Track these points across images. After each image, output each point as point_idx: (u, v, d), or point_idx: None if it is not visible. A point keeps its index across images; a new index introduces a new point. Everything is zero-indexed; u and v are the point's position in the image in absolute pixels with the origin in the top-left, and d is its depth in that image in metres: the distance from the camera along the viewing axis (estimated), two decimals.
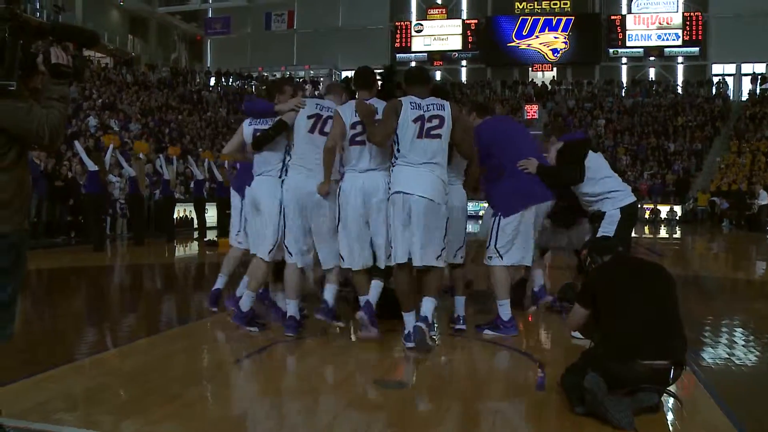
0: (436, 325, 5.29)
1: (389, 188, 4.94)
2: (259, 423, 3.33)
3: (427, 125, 4.87)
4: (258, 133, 5.44)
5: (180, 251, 13.57)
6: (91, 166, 12.44)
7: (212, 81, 38.29)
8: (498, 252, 5.40)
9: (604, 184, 5.47)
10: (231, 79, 38.65)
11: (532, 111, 35.68)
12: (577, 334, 5.51)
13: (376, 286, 5.17)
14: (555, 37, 40.74)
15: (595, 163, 5.52)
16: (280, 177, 5.40)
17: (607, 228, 5.33)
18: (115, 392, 3.85)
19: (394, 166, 4.93)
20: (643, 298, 3.62)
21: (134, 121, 24.20)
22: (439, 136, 4.89)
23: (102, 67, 29.93)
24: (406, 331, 4.95)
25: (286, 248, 5.30)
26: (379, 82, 5.38)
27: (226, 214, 16.47)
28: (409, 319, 4.95)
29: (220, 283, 6.26)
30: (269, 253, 5.39)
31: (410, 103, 4.93)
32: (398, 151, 4.90)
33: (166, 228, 15.13)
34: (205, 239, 14.97)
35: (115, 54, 35.54)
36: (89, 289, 8.76)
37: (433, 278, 4.97)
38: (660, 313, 3.59)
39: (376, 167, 5.05)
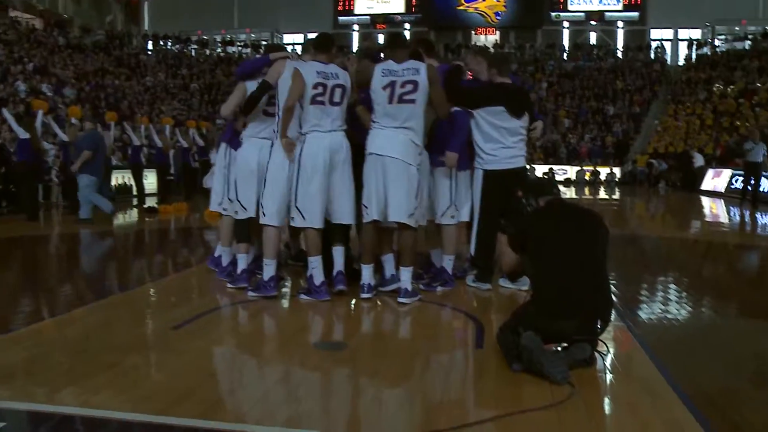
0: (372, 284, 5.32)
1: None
2: (198, 389, 3.30)
3: (400, 91, 5.04)
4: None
5: (118, 219, 13.26)
6: (22, 134, 12.00)
7: (150, 45, 37.18)
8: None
9: (481, 140, 5.54)
10: (169, 43, 37.61)
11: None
12: (506, 282, 5.75)
13: (340, 252, 5.33)
14: (497, 1, 40.74)
15: (493, 117, 5.52)
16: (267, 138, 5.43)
17: (475, 187, 5.62)
18: (51, 363, 3.76)
19: (371, 130, 5.16)
20: (574, 251, 3.67)
21: (69, 86, 23.36)
22: (412, 101, 5.05)
23: (30, 28, 28.63)
24: (361, 283, 5.23)
25: (263, 208, 5.28)
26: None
27: (166, 180, 16.36)
28: (367, 272, 5.23)
29: (226, 257, 6.10)
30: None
31: (382, 70, 5.12)
32: (374, 115, 5.14)
33: (103, 195, 14.74)
34: (145, 206, 14.68)
35: (45, 15, 34.01)
36: (24, 259, 8.49)
37: (407, 244, 5.18)
38: (589, 270, 3.65)
39: (338, 128, 5.19)
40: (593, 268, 3.68)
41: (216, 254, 6.36)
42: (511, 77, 5.84)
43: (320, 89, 5.11)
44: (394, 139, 5.04)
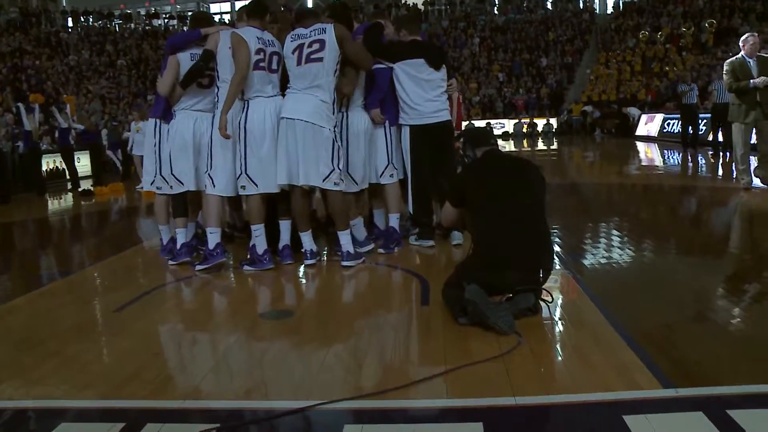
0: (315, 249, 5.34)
1: None
2: (144, 369, 3.24)
3: (307, 51, 5.03)
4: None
5: (53, 205, 12.90)
6: None
7: (70, 22, 35.83)
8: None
9: (404, 95, 5.62)
10: (91, 19, 36.31)
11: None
12: (412, 240, 5.85)
13: (287, 225, 5.36)
14: None
15: (413, 70, 5.60)
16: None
17: (404, 144, 5.68)
18: None
19: (285, 95, 5.17)
20: (511, 202, 3.70)
21: None
22: (320, 59, 5.02)
23: None
24: (303, 250, 5.27)
25: (212, 180, 5.26)
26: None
27: (100, 161, 15.93)
28: (306, 238, 5.26)
29: (166, 235, 6.02)
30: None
31: (290, 35, 5.16)
32: (289, 81, 5.14)
33: (35, 182, 14.34)
34: (79, 189, 14.30)
35: None
36: None
37: (335, 208, 5.16)
38: (527, 219, 3.69)
39: (278, 94, 5.23)
40: (532, 217, 3.72)
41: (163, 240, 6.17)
42: (422, 35, 5.98)
43: (261, 55, 5.12)
44: (305, 101, 5.03)
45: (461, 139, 4.27)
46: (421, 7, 39.61)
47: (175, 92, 5.44)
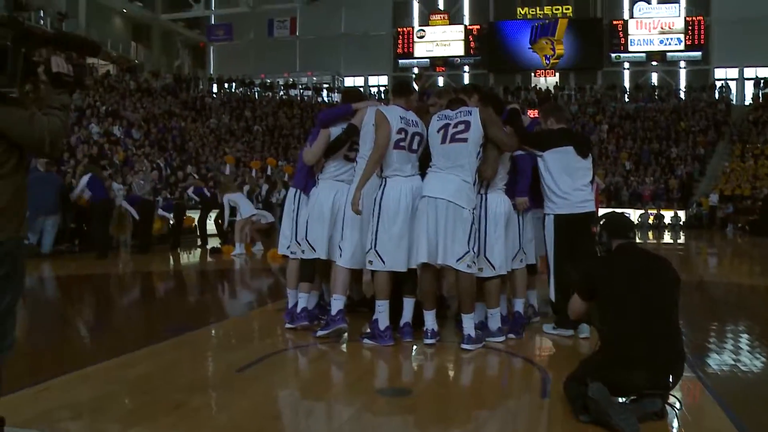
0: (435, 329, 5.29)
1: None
2: (263, 431, 3.31)
3: (452, 131, 5.14)
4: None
5: (185, 259, 13.57)
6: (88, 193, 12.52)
7: (215, 88, 38.28)
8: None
9: (552, 183, 5.56)
10: (234, 86, 38.65)
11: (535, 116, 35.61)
12: (548, 328, 5.75)
13: (411, 303, 5.35)
14: (557, 43, 40.66)
15: (563, 158, 5.56)
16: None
17: (548, 234, 5.61)
18: (120, 401, 3.84)
19: (427, 173, 5.24)
20: (645, 301, 3.57)
21: (136, 128, 24.19)
22: (464, 140, 5.11)
23: (105, 74, 29.90)
24: (424, 329, 5.21)
25: (340, 250, 5.36)
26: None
27: (222, 221, 16.55)
28: (429, 317, 5.21)
29: (293, 299, 6.03)
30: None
31: (437, 116, 5.30)
32: (431, 160, 5.23)
33: (172, 235, 15.10)
34: (207, 246, 14.99)
35: (118, 61, 35.54)
36: (92, 298, 8.73)
37: (463, 289, 5.13)
38: (660, 320, 3.56)
39: (416, 174, 5.31)
40: (665, 318, 3.58)
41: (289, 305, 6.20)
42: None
43: (402, 134, 5.22)
44: (448, 181, 5.06)
45: (599, 224, 4.17)
46: (551, 91, 39.61)
47: (319, 163, 5.64)
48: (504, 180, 5.52)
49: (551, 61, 40.80)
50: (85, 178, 12.68)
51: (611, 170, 32.22)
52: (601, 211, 5.46)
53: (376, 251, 5.18)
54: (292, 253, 5.88)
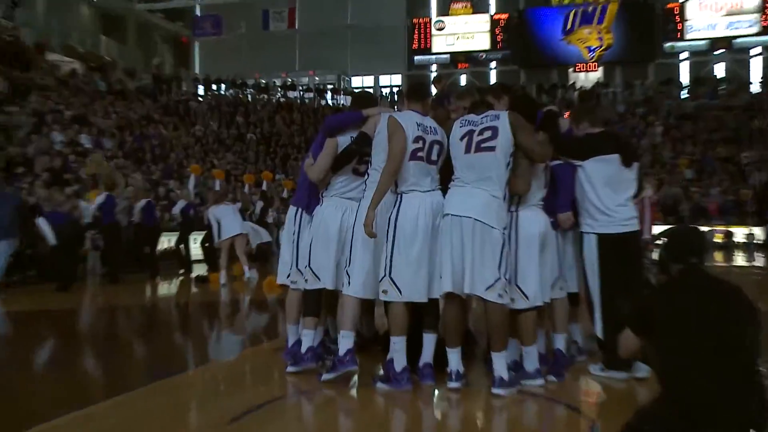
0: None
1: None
2: None
3: (477, 138, 5.14)
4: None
5: (164, 289, 13.56)
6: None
7: (201, 89, 38.51)
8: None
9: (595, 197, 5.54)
10: (223, 88, 38.86)
11: None
12: (596, 369, 5.66)
13: (431, 340, 5.33)
14: (605, 32, 40.55)
15: (606, 168, 5.56)
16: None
17: (588, 256, 5.59)
18: None
19: (449, 188, 5.25)
20: (715, 338, 3.43)
21: (108, 136, 24.28)
22: (492, 149, 5.09)
23: (70, 73, 29.99)
24: (448, 370, 5.15)
25: (348, 277, 5.34)
26: None
27: (212, 245, 16.50)
28: (454, 357, 5.17)
29: (293, 336, 6.02)
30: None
31: (459, 121, 5.34)
32: (454, 173, 5.24)
33: (149, 262, 15.09)
34: (192, 274, 15.05)
35: (86, 58, 35.53)
36: (49, 338, 8.65)
37: (494, 323, 5.06)
38: (734, 361, 3.42)
39: (436, 188, 5.33)
40: (740, 357, 3.45)
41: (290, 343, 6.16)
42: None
43: (420, 143, 5.23)
44: (474, 196, 5.07)
45: (659, 243, 4.04)
46: (593, 89, 39.34)
47: (325, 178, 5.63)
48: (540, 194, 5.48)
49: (597, 53, 40.63)
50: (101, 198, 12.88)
51: (668, 180, 31.98)
52: (657, 229, 5.37)
53: (392, 279, 5.16)
54: (292, 282, 5.86)
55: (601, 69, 41.21)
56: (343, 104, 38.08)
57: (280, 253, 6.29)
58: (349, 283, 5.32)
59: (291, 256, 5.86)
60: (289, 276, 5.91)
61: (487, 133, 5.12)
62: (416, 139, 5.22)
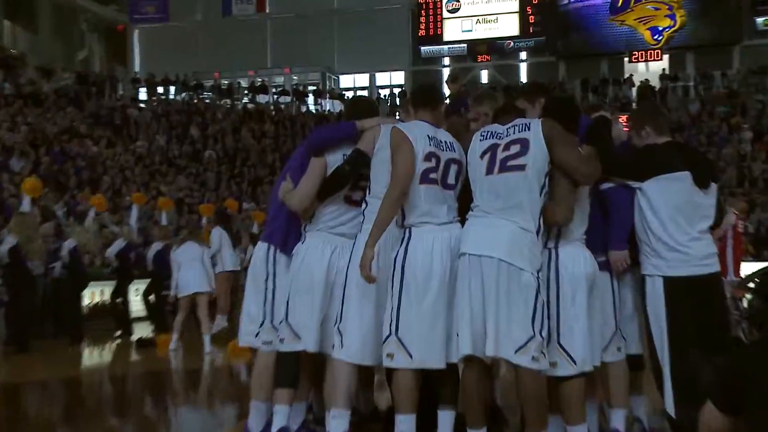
0: None
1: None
2: None
3: (503, 154, 5.16)
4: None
5: (92, 359, 13.42)
6: None
7: (142, 93, 38.66)
8: None
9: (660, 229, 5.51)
10: (172, 91, 39.02)
11: None
12: None
13: (449, 418, 5.34)
14: (676, 7, 40.34)
15: (675, 191, 5.51)
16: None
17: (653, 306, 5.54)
18: None
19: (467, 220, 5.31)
20: None
21: (17, 155, 24.17)
22: (521, 167, 5.10)
23: None
24: None
25: (340, 336, 5.35)
26: None
27: (161, 296, 16.41)
28: None
29: (260, 417, 5.96)
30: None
31: (480, 133, 5.39)
32: (473, 199, 5.30)
33: (70, 323, 15.00)
34: (132, 337, 15.13)
35: None
36: None
37: (528, 396, 5.01)
38: None
39: (454, 219, 5.38)
40: None
41: (250, 419, 6.13)
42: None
43: (432, 162, 5.28)
44: (498, 228, 5.07)
45: (751, 287, 3.88)
46: (657, 83, 39.48)
47: (309, 207, 5.63)
48: (584, 225, 5.47)
49: (665, 35, 40.50)
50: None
51: (762, 203, 31.98)
52: (748, 267, 5.20)
53: (399, 338, 5.16)
54: (264, 343, 5.82)
55: (666, 57, 41.15)
56: (329, 110, 38.38)
57: (243, 305, 6.23)
58: (341, 344, 5.32)
59: (260, 308, 5.86)
60: (257, 335, 5.87)
61: (515, 148, 5.14)
62: (428, 157, 5.26)
